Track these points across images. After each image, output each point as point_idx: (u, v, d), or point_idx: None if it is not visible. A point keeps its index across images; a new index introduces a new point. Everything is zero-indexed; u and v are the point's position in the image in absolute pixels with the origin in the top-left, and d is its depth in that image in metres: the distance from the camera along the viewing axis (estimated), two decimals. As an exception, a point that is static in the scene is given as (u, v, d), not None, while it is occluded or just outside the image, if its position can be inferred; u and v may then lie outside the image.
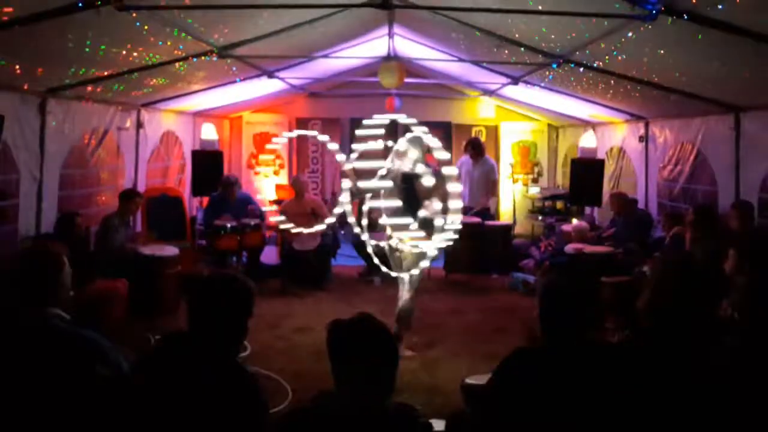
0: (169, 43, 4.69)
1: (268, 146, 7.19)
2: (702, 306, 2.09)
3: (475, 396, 2.90)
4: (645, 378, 2.00)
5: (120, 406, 1.97)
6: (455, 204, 4.73)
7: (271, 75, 7.04)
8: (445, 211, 4.77)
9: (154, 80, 5.79)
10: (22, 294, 2.17)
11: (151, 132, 7.22)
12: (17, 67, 4.31)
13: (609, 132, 8.06)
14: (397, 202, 4.98)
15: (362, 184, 5.28)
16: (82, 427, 2.00)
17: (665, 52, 4.31)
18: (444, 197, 4.76)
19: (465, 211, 7.45)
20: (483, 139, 9.24)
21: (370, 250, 5.44)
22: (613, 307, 5.04)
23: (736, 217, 4.75)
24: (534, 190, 9.59)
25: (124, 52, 4.61)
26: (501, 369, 2.13)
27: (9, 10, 3.28)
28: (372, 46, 7.36)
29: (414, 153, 5.07)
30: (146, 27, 4.12)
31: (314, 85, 9.17)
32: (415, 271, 4.97)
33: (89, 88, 5.37)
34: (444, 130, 9.49)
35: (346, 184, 5.32)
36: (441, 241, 4.93)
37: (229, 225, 6.82)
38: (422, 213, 5.34)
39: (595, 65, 5.17)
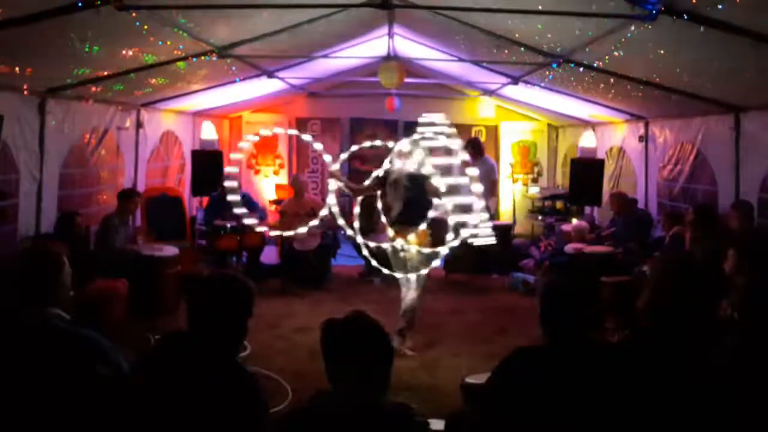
0: (168, 43, 4.68)
1: (240, 144, 7.00)
2: (702, 306, 2.09)
3: (475, 395, 2.90)
4: (645, 378, 2.00)
5: (120, 406, 1.97)
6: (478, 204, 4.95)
7: (270, 75, 7.04)
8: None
9: (154, 80, 5.79)
10: (22, 294, 2.17)
11: (151, 132, 7.22)
12: (17, 66, 4.32)
13: (609, 132, 8.06)
14: (401, 203, 5.00)
15: (347, 184, 5.33)
16: (82, 427, 2.00)
17: (665, 52, 4.31)
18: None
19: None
20: (483, 138, 9.24)
21: (366, 252, 5.46)
22: (613, 307, 5.04)
23: (736, 217, 4.75)
24: (534, 190, 9.59)
25: (123, 52, 4.61)
26: (501, 368, 2.13)
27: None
28: (372, 46, 7.36)
29: (419, 154, 5.07)
30: (146, 27, 4.11)
31: (314, 84, 9.17)
32: (424, 271, 5.01)
33: (89, 88, 5.37)
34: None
35: (333, 185, 5.35)
36: (454, 241, 5.01)
37: (228, 225, 6.82)
38: (432, 213, 5.38)
39: (595, 65, 5.17)
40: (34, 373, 2.02)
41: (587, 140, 7.39)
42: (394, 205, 5.05)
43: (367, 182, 5.58)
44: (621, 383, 2.00)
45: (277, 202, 8.67)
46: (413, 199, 5.04)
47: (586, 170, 7.05)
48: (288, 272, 7.05)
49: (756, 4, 3.16)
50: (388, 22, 5.87)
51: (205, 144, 7.93)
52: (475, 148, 8.08)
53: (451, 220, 5.31)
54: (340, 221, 5.50)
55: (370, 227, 6.41)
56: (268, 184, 9.88)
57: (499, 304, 6.58)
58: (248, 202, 7.43)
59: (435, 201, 5.53)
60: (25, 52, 4.05)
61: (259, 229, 6.11)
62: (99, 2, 3.45)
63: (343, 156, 6.07)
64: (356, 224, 5.49)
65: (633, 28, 3.89)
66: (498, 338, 5.33)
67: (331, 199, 5.43)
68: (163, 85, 6.12)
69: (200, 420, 1.89)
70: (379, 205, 5.41)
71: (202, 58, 5.31)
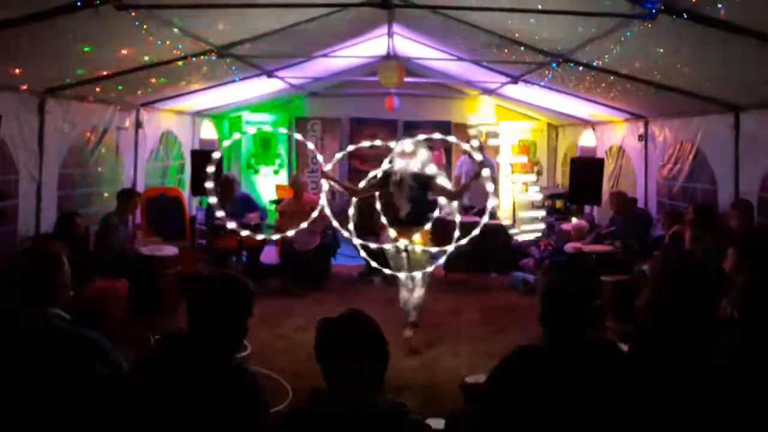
0: (168, 43, 4.68)
1: (225, 144, 6.98)
2: (701, 305, 2.09)
3: (475, 395, 2.91)
4: (645, 377, 2.00)
5: (120, 406, 1.97)
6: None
7: (270, 74, 7.03)
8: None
9: (154, 80, 5.78)
10: (22, 294, 2.17)
11: (150, 132, 7.22)
12: (16, 66, 4.31)
13: (608, 131, 8.06)
14: (410, 203, 5.04)
15: (342, 185, 5.35)
16: (83, 427, 2.00)
17: (665, 51, 4.31)
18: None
19: (466, 210, 7.49)
20: (483, 138, 9.23)
21: (363, 254, 5.48)
22: (613, 306, 5.04)
23: (736, 216, 4.75)
24: (534, 189, 9.59)
25: (123, 52, 4.60)
26: (500, 368, 2.13)
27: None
28: (371, 46, 7.36)
29: (423, 154, 5.08)
30: (145, 26, 4.11)
31: (314, 84, 9.16)
32: (430, 269, 5.10)
33: (89, 88, 5.37)
34: (443, 130, 9.48)
35: (325, 186, 5.36)
36: (459, 240, 5.10)
37: (228, 225, 6.81)
38: (437, 213, 5.43)
39: (594, 64, 5.17)
40: (34, 373, 2.02)
41: (587, 139, 7.39)
42: (402, 205, 5.07)
43: (362, 183, 5.59)
44: (621, 382, 2.00)
45: (276, 201, 8.67)
46: (418, 198, 5.08)
47: (586, 169, 7.06)
48: (288, 272, 7.05)
49: (756, 3, 3.16)
50: (388, 22, 5.87)
51: (205, 144, 7.93)
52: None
53: (458, 218, 5.43)
54: (334, 222, 5.51)
55: (370, 228, 6.42)
56: (268, 183, 9.88)
57: (499, 303, 6.58)
58: (249, 202, 7.43)
59: (441, 201, 5.58)
60: (24, 52, 4.05)
61: (258, 237, 6.06)
62: (98, 2, 3.45)
63: (338, 156, 6.06)
64: (350, 226, 5.51)
65: (633, 27, 3.89)
66: (498, 337, 5.33)
67: (322, 200, 5.45)
68: (162, 85, 6.12)
69: (200, 420, 1.89)
70: (378, 205, 5.42)
71: (202, 57, 5.31)
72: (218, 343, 2.01)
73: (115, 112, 6.36)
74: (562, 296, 2.13)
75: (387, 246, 5.23)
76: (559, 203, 8.74)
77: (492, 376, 2.15)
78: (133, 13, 3.80)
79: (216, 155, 5.70)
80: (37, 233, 5.11)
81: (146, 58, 4.92)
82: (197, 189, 7.81)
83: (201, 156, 7.80)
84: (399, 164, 5.06)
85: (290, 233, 5.86)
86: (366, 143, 6.22)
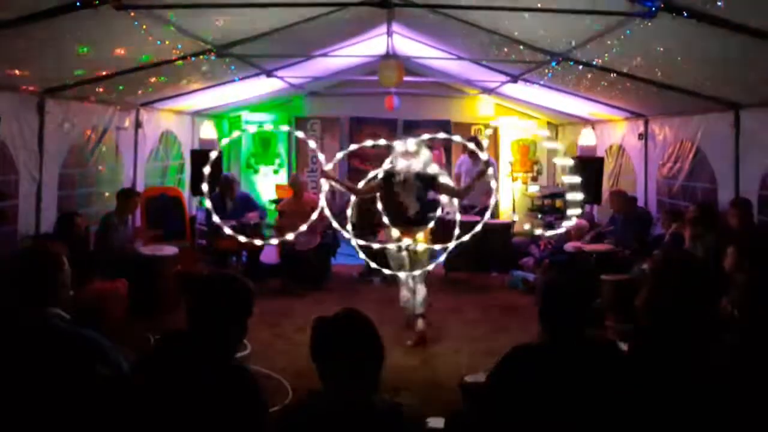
0: (167, 43, 4.68)
1: (224, 142, 6.92)
2: (701, 304, 2.09)
3: (474, 395, 2.91)
4: (644, 376, 2.00)
5: (120, 406, 1.97)
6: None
7: (269, 74, 7.03)
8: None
9: (153, 79, 5.78)
10: (22, 294, 2.17)
11: (150, 132, 7.22)
12: (15, 66, 4.31)
13: (608, 130, 8.06)
14: (418, 202, 5.10)
15: (343, 184, 5.35)
16: (82, 427, 2.00)
17: (665, 50, 4.31)
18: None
19: (465, 209, 7.49)
20: (482, 137, 9.22)
21: (362, 255, 5.48)
22: (613, 305, 5.05)
23: (735, 215, 4.75)
24: (533, 189, 9.59)
25: (122, 52, 4.60)
26: (500, 367, 2.13)
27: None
28: (371, 45, 7.35)
29: (425, 153, 5.10)
30: (144, 26, 4.11)
31: (313, 84, 9.16)
32: (430, 267, 5.20)
33: (88, 88, 5.36)
34: (443, 129, 9.48)
35: (325, 185, 5.35)
36: (459, 238, 5.13)
37: (228, 224, 6.80)
38: (440, 212, 5.46)
39: (594, 63, 5.17)
40: (34, 373, 2.02)
41: (587, 138, 7.39)
42: (410, 204, 5.11)
43: (361, 183, 5.59)
44: (620, 382, 2.00)
45: (276, 201, 8.66)
46: (423, 197, 5.15)
47: (586, 168, 7.04)
48: (288, 272, 7.04)
49: (755, 1, 3.16)
50: (387, 21, 5.87)
51: (205, 143, 7.92)
52: (475, 146, 8.10)
53: (458, 216, 5.47)
54: (334, 223, 5.50)
55: (371, 228, 6.42)
56: (268, 183, 9.87)
57: (498, 302, 6.58)
58: (248, 202, 7.44)
59: (443, 199, 5.63)
60: (23, 52, 4.05)
61: (257, 242, 5.99)
62: (97, 2, 3.44)
63: (339, 155, 6.05)
64: (349, 226, 5.51)
65: (633, 25, 3.88)
66: (498, 336, 5.33)
67: (322, 200, 5.43)
68: (161, 85, 6.12)
69: (200, 420, 1.89)
70: (380, 205, 5.41)
71: (201, 57, 5.30)
72: (218, 343, 2.01)
73: (114, 112, 6.36)
74: (562, 295, 2.13)
75: (390, 246, 5.24)
76: (558, 202, 8.73)
77: (491, 375, 2.15)
78: (132, 13, 3.79)
79: (213, 155, 5.59)
80: (37, 233, 5.11)
81: (145, 57, 4.91)
82: (197, 189, 7.82)
83: (201, 156, 7.82)
84: (401, 164, 5.07)
85: (289, 237, 5.79)
86: (369, 142, 6.16)
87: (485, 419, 2.12)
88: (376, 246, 5.46)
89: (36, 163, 5.14)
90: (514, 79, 7.03)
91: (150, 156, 7.36)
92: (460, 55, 7.11)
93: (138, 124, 6.86)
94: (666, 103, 5.95)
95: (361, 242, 5.46)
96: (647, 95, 5.74)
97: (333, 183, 5.39)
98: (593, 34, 4.37)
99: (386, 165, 5.42)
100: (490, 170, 5.16)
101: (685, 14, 3.40)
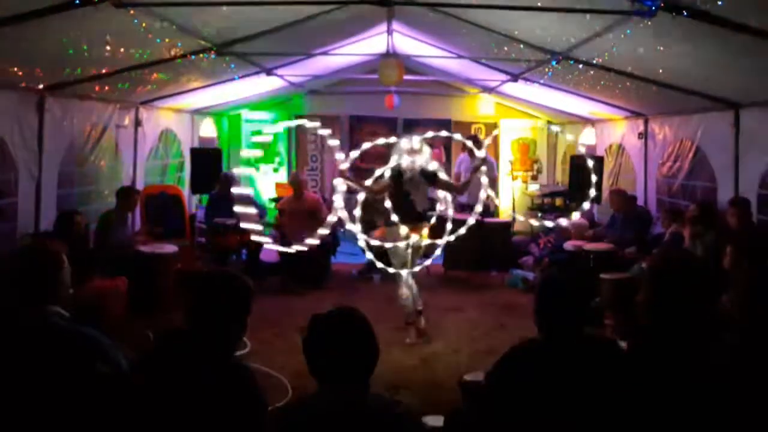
0: (167, 41, 4.67)
1: (257, 139, 6.93)
2: (701, 302, 2.09)
3: (474, 393, 2.91)
4: (644, 375, 2.00)
5: (120, 405, 1.97)
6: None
7: (269, 72, 7.02)
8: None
9: (153, 77, 5.77)
10: (22, 292, 2.17)
11: (150, 130, 7.21)
12: (15, 64, 4.30)
13: (608, 129, 8.05)
14: (426, 200, 5.27)
15: (358, 183, 5.34)
16: (82, 426, 2.00)
17: (665, 49, 4.30)
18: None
19: (463, 207, 7.49)
20: (482, 136, 9.23)
21: (369, 254, 5.50)
22: (613, 303, 5.05)
23: (735, 215, 4.75)
24: (533, 187, 9.59)
25: (121, 50, 4.59)
26: (499, 365, 2.13)
27: None
28: (371, 43, 7.34)
29: (427, 150, 5.16)
30: (144, 24, 4.10)
31: (313, 82, 9.15)
32: (428, 262, 5.37)
33: (87, 86, 5.36)
34: (444, 128, 9.48)
35: (341, 186, 5.29)
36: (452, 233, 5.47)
37: (228, 222, 6.82)
38: (440, 208, 5.56)
39: (594, 62, 5.16)
40: (33, 372, 2.02)
41: (587, 137, 7.39)
42: (419, 201, 5.21)
43: (368, 181, 5.59)
44: (620, 380, 2.00)
45: (276, 200, 8.66)
46: (426, 194, 5.30)
47: (586, 167, 7.04)
48: (288, 270, 7.04)
49: (755, 0, 3.15)
50: (387, 19, 5.86)
51: (204, 142, 7.93)
52: (475, 144, 8.10)
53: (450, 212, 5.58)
54: (349, 225, 5.43)
55: (374, 226, 6.41)
56: (268, 181, 9.87)
57: (498, 301, 6.58)
58: (249, 200, 7.43)
59: (440, 195, 5.75)
60: (23, 50, 4.04)
61: (256, 238, 5.93)
62: (97, 0, 3.44)
63: (354, 154, 5.95)
64: (357, 224, 5.50)
65: (632, 24, 3.88)
66: (497, 335, 5.34)
67: (339, 202, 5.24)
68: (161, 83, 6.11)
69: (200, 418, 1.89)
70: (388, 203, 5.38)
71: (201, 55, 5.30)
72: (218, 341, 2.01)
73: (114, 110, 6.36)
74: (558, 293, 2.13)
75: (399, 243, 5.24)
76: (558, 201, 8.74)
77: (491, 374, 2.15)
78: (131, 11, 3.79)
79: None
80: (37, 231, 5.11)
81: (145, 55, 4.91)
82: (197, 187, 7.82)
83: (201, 154, 7.82)
84: (406, 161, 5.10)
85: (295, 249, 5.65)
86: (380, 140, 6.01)
87: (485, 418, 2.12)
88: (388, 245, 5.40)
89: (35, 161, 5.14)
90: (515, 77, 7.02)
91: (150, 154, 7.35)
92: (460, 53, 7.11)
93: (138, 122, 6.85)
94: (666, 102, 5.94)
95: (372, 241, 5.46)
96: (647, 94, 5.74)
97: (350, 183, 5.34)
98: (593, 33, 4.36)
99: (392, 163, 5.41)
100: (483, 167, 5.30)
101: (685, 13, 3.40)
